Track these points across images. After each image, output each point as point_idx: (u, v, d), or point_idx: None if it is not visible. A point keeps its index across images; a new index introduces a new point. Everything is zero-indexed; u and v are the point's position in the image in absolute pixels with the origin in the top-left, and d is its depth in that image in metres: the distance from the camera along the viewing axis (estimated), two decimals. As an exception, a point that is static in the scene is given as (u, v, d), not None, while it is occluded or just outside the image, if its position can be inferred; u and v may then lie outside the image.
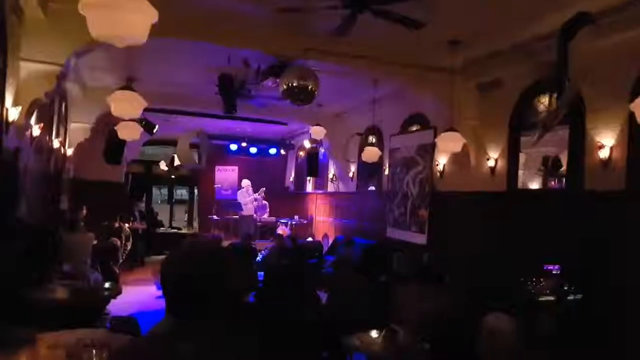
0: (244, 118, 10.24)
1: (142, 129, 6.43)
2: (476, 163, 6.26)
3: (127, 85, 4.40)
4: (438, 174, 6.91)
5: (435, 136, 6.93)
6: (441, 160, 6.87)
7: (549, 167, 6.41)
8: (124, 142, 8.56)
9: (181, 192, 20.20)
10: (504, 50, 5.67)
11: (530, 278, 4.34)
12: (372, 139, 8.34)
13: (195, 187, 15.13)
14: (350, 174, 9.85)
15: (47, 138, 6.40)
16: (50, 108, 6.46)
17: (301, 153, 12.82)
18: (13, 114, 4.26)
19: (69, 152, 8.10)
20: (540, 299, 3.96)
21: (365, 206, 9.17)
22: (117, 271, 7.55)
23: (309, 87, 4.69)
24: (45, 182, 6.20)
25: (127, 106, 4.34)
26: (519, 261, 5.11)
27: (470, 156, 6.27)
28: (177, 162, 10.92)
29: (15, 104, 4.38)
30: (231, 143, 12.94)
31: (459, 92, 6.33)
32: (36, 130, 5.30)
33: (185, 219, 16.88)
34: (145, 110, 9.75)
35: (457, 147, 5.47)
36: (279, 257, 6.63)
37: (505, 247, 5.55)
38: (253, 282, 5.94)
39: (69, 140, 8.18)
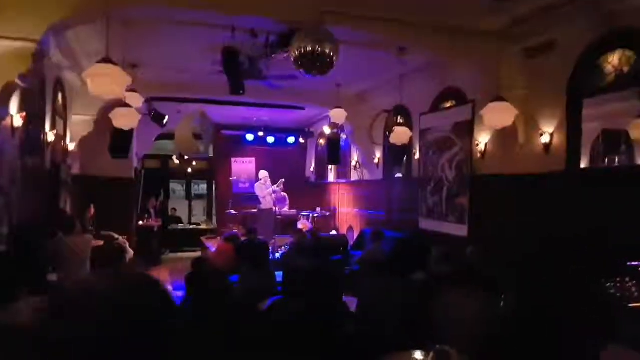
0: (257, 104, 9.52)
1: (139, 116, 5.73)
2: (526, 140, 5.34)
3: (108, 58, 3.65)
4: (479, 154, 6.01)
5: (474, 112, 6.05)
6: (482, 139, 5.97)
7: (609, 142, 5.45)
8: (130, 134, 7.92)
9: (203, 187, 19.73)
10: (557, 4, 4.75)
11: (611, 278, 3.46)
12: (399, 119, 7.47)
13: (213, 180, 14.56)
14: (376, 160, 9.01)
15: (39, 130, 5.77)
16: (42, 97, 5.82)
17: (321, 141, 12.05)
18: (-24, 98, 3.59)
19: (71, 146, 7.48)
20: (631, 304, 3.10)
21: (394, 195, 8.33)
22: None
23: (327, 52, 3.86)
24: (37, 180, 5.56)
25: (107, 83, 3.60)
26: (588, 256, 4.22)
27: (518, 132, 5.36)
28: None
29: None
30: (247, 133, 12.28)
31: (502, 59, 5.43)
32: (18, 120, 4.64)
33: (205, 214, 16.36)
34: (153, 99, 9.25)
35: (508, 119, 4.58)
36: (297, 256, 5.90)
37: (567, 239, 4.66)
38: (268, 287, 5.21)
39: (71, 133, 7.57)
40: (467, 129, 6.16)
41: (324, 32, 3.96)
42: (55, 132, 6.26)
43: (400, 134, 6.16)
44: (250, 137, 12.32)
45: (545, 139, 5.08)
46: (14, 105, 4.59)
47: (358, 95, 8.96)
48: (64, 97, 7.05)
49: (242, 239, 7.48)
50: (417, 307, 4.53)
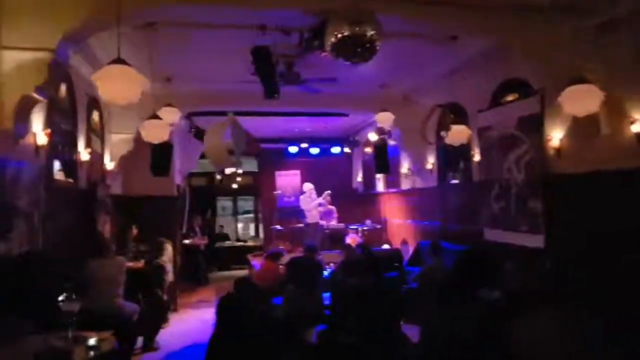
0: (298, 113, 9.07)
1: (170, 128, 5.39)
2: (611, 130, 4.50)
3: (120, 59, 3.25)
4: (552, 151, 5.18)
5: (543, 103, 5.26)
6: (555, 134, 5.14)
7: None
8: (170, 150, 7.67)
9: (250, 203, 19.60)
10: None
11: None
12: (453, 118, 6.74)
13: (259, 196, 14.28)
14: (429, 166, 8.27)
15: (71, 149, 5.54)
16: (73, 114, 5.59)
17: (368, 149, 11.44)
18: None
19: (110, 165, 7.28)
20: None
21: (451, 203, 7.55)
22: (165, 297, 6.56)
23: (368, 35, 3.27)
24: (69, 200, 5.30)
25: (119, 87, 3.18)
26: None
27: (600, 122, 4.53)
28: (228, 169, 9.98)
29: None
30: (290, 145, 11.91)
31: (575, 36, 4.64)
32: (42, 138, 4.35)
33: (252, 231, 16.10)
34: (193, 114, 9.02)
35: (593, 104, 3.80)
36: (347, 274, 5.28)
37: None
38: (315, 310, 4.62)
39: (111, 153, 7.39)
40: (535, 124, 5.36)
41: (363, 12, 3.37)
42: (89, 150, 6.02)
43: (458, 133, 5.46)
44: (293, 149, 11.94)
45: (636, 127, 4.22)
46: (37, 122, 4.32)
47: (405, 95, 8.28)
48: (100, 115, 6.86)
49: (290, 255, 6.99)
50: (492, 332, 3.81)
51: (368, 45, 3.32)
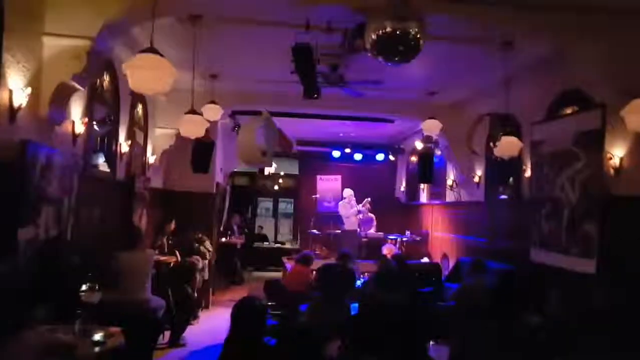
0: (342, 117, 8.90)
1: (207, 124, 5.34)
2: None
3: (152, 48, 3.18)
4: (612, 171, 4.70)
5: (604, 118, 4.79)
6: (617, 152, 4.67)
7: None
8: (211, 148, 7.69)
9: (290, 206, 19.57)
10: None
11: None
12: (505, 129, 6.32)
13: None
14: (476, 179, 7.84)
15: (111, 140, 5.61)
16: (115, 106, 5.67)
17: (413, 158, 11.09)
18: (19, 97, 3.31)
19: (152, 159, 7.38)
20: None
21: (498, 219, 7.10)
22: (194, 294, 6.54)
23: (411, 32, 3.03)
24: (105, 191, 5.36)
25: (149, 76, 3.11)
26: None
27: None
28: (268, 169, 9.92)
29: (30, 86, 3.45)
30: (333, 149, 11.75)
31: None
32: (80, 126, 4.40)
33: (291, 233, 16.03)
34: (237, 113, 9.03)
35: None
36: (377, 286, 5.01)
37: None
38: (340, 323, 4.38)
39: (153, 146, 7.49)
40: (595, 140, 4.89)
41: (406, 8, 3.13)
42: (130, 142, 6.09)
43: (508, 145, 5.08)
44: (336, 153, 11.78)
45: None
46: (76, 110, 4.37)
47: (454, 104, 7.92)
48: (144, 109, 6.96)
49: (325, 262, 6.78)
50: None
51: (411, 43, 3.07)
